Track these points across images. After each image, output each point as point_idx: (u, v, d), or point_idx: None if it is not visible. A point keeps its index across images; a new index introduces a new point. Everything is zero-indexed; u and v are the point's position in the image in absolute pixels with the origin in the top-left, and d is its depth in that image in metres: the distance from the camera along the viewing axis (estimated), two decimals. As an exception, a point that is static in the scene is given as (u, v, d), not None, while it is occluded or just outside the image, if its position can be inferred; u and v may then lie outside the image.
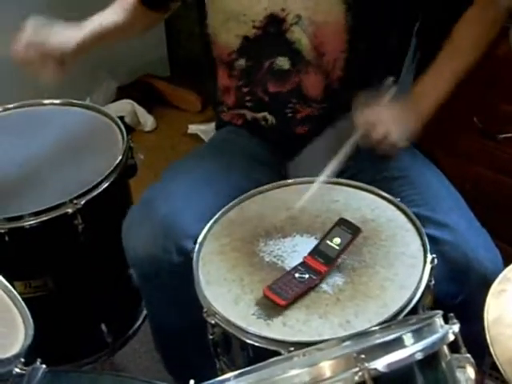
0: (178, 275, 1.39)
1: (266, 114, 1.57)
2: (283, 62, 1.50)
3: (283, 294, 1.21)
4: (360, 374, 0.87)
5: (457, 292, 1.35)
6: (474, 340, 1.01)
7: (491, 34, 1.50)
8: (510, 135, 1.74)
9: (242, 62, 1.54)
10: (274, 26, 1.47)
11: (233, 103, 1.61)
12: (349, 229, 1.27)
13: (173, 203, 1.43)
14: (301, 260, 1.27)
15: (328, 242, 1.27)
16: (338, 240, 1.26)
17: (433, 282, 1.24)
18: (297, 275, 1.24)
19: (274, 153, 1.61)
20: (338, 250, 1.25)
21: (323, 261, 1.25)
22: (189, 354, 1.55)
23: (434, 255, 1.25)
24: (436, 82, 1.48)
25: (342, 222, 1.29)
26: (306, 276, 1.24)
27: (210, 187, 1.49)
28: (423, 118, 1.47)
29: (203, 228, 1.37)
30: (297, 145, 1.56)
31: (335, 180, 1.45)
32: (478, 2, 1.46)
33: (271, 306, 1.21)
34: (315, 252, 1.27)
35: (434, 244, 1.30)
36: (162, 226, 1.39)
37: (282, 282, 1.23)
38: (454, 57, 1.48)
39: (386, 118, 1.42)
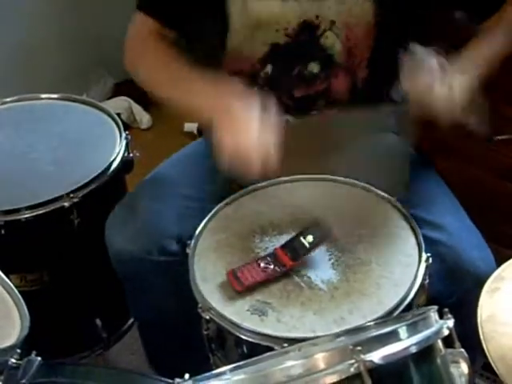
0: (159, 275, 1.40)
1: (288, 117, 1.51)
2: (313, 67, 1.48)
3: (242, 279, 1.23)
4: (355, 365, 0.87)
5: (451, 292, 1.35)
6: (467, 339, 1.02)
7: None
8: (506, 137, 1.74)
9: (268, 70, 1.49)
10: (307, 33, 1.45)
11: None
12: (323, 230, 1.28)
13: (155, 204, 1.44)
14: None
15: (301, 238, 1.28)
16: (310, 238, 1.27)
17: (427, 280, 1.25)
18: (262, 264, 1.25)
19: None
20: (307, 249, 1.26)
21: (291, 256, 1.26)
22: (173, 350, 1.54)
23: (429, 254, 1.26)
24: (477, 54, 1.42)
25: (320, 222, 1.29)
26: (271, 267, 1.25)
27: (194, 188, 1.49)
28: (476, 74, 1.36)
29: (185, 228, 1.37)
30: None
31: (333, 178, 1.46)
32: None
33: (266, 303, 1.21)
34: (286, 246, 1.28)
35: (428, 245, 1.30)
36: (143, 227, 1.40)
37: (246, 268, 1.25)
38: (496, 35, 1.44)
39: (442, 71, 1.29)
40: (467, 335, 1.02)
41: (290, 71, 1.49)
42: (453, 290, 1.36)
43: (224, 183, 1.46)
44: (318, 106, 1.51)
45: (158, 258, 1.40)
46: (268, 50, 1.47)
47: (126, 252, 1.40)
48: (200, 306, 1.24)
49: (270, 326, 1.17)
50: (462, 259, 1.35)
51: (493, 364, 0.96)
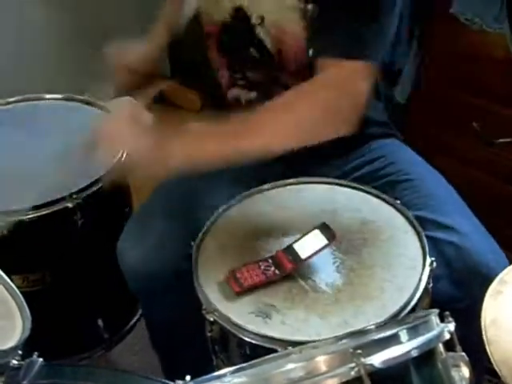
0: (173, 291, 1.40)
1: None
2: (254, 53, 1.48)
3: (241, 281, 1.23)
4: (356, 369, 0.87)
5: (462, 296, 1.32)
6: (477, 344, 1.01)
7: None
8: (508, 140, 1.74)
9: (224, 39, 1.52)
10: (244, 20, 1.46)
11: (227, 82, 1.57)
12: (326, 234, 1.27)
13: (166, 221, 1.43)
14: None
15: (303, 242, 1.27)
16: (312, 243, 1.27)
17: (431, 284, 1.25)
18: (263, 266, 1.25)
19: (270, 164, 1.57)
20: (309, 253, 1.26)
21: (292, 259, 1.26)
22: (185, 352, 1.54)
23: (433, 258, 1.26)
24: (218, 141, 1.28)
25: (323, 226, 1.29)
26: (272, 269, 1.25)
27: (203, 201, 1.48)
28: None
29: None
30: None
31: (336, 181, 1.46)
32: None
33: (270, 305, 1.21)
34: (288, 249, 1.27)
35: (435, 246, 1.30)
36: (156, 245, 1.39)
37: (246, 269, 1.25)
38: (252, 135, 1.27)
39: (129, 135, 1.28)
40: (478, 340, 1.01)
41: (237, 52, 1.51)
42: (463, 295, 1.33)
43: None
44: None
45: (173, 277, 1.39)
46: (220, 26, 1.50)
47: (139, 271, 1.40)
48: (204, 307, 1.23)
49: (274, 329, 1.17)
50: (475, 262, 1.32)
51: (496, 368, 0.95)
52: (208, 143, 1.27)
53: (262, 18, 1.44)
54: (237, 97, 1.57)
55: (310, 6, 1.36)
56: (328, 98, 1.25)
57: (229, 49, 1.54)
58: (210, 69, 1.61)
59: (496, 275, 1.28)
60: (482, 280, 1.28)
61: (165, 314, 1.49)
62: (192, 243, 1.33)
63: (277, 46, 1.45)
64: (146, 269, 1.39)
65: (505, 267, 1.33)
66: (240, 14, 1.46)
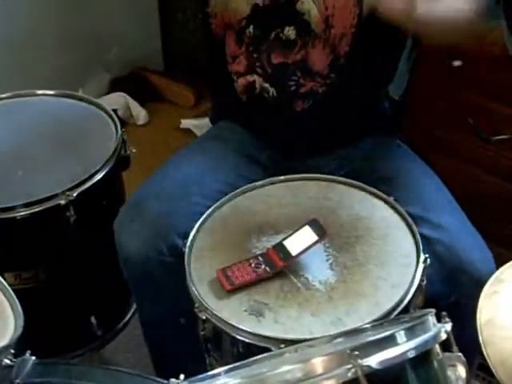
0: (169, 274, 1.39)
1: (267, 85, 1.51)
2: (290, 32, 1.47)
3: (232, 279, 1.23)
4: (353, 370, 0.87)
5: (449, 292, 1.35)
6: (466, 340, 1.02)
7: None
8: (504, 137, 1.74)
9: (251, 29, 1.49)
10: None
11: (244, 68, 1.54)
12: (317, 231, 1.27)
13: (163, 202, 1.43)
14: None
15: (294, 239, 1.27)
16: (303, 239, 1.26)
17: (425, 281, 1.25)
18: (253, 264, 1.25)
19: (267, 152, 1.59)
20: (300, 250, 1.25)
21: (283, 256, 1.25)
22: (178, 349, 1.54)
23: (427, 255, 1.26)
24: None
25: (313, 223, 1.28)
26: (262, 267, 1.25)
27: (201, 186, 1.49)
28: None
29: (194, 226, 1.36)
30: (296, 133, 1.52)
31: (330, 177, 1.45)
32: None
33: (263, 303, 1.21)
34: (279, 246, 1.27)
35: (427, 244, 1.30)
36: (153, 226, 1.40)
37: (236, 267, 1.25)
38: None
39: None
40: (466, 337, 1.02)
41: (267, 34, 1.48)
42: (451, 291, 1.35)
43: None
44: (295, 76, 1.49)
45: (169, 259, 1.39)
46: (251, 9, 1.48)
47: (137, 252, 1.40)
48: (196, 305, 1.23)
49: (267, 327, 1.17)
50: (462, 260, 1.34)
51: (493, 369, 0.95)
52: None
53: None
54: (250, 83, 1.54)
55: None
56: None
57: (254, 37, 1.50)
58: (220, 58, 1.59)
59: (482, 273, 1.29)
60: (469, 277, 1.31)
61: (158, 309, 1.49)
62: (185, 241, 1.33)
63: (324, 14, 1.43)
64: (142, 250, 1.39)
65: (490, 265, 1.34)
66: None
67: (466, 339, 1.01)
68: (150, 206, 1.43)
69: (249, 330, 1.16)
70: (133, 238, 1.41)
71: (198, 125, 2.76)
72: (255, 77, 1.53)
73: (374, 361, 0.88)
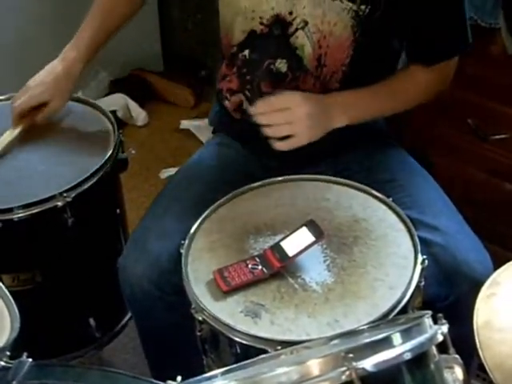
0: (172, 311, 1.40)
1: None
2: (281, 65, 1.48)
3: (228, 279, 1.22)
4: (347, 373, 0.86)
5: (446, 294, 1.35)
6: (463, 342, 1.01)
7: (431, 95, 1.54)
8: (503, 136, 1.74)
9: (245, 53, 1.51)
10: (279, 28, 1.45)
11: (237, 86, 1.56)
12: (314, 232, 1.26)
13: (166, 242, 1.42)
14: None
15: (291, 240, 1.26)
16: (300, 240, 1.26)
17: (423, 283, 1.24)
18: (250, 265, 1.25)
19: (265, 169, 1.56)
20: (297, 251, 1.25)
21: (279, 257, 1.25)
22: (174, 351, 1.54)
23: (425, 256, 1.25)
24: (371, 102, 1.49)
25: (311, 224, 1.28)
26: (259, 268, 1.24)
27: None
28: (336, 125, 1.43)
29: None
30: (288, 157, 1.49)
31: (328, 178, 1.45)
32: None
33: (259, 304, 1.20)
34: (276, 247, 1.27)
35: (424, 246, 1.30)
36: (156, 267, 1.40)
37: (233, 268, 1.25)
38: (395, 96, 1.50)
39: (297, 105, 1.38)
40: (462, 338, 1.01)
41: (261, 62, 1.50)
42: (448, 293, 1.35)
43: None
44: None
45: (172, 297, 1.39)
46: (245, 37, 1.50)
47: (140, 291, 1.41)
48: (193, 306, 1.23)
49: (263, 329, 1.16)
50: (458, 261, 1.34)
51: (489, 372, 0.95)
52: (370, 104, 1.48)
53: (306, 22, 1.43)
54: (243, 102, 1.57)
55: (363, 7, 1.38)
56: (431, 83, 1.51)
57: (250, 61, 1.52)
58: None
59: (478, 274, 1.29)
60: (465, 279, 1.30)
61: (155, 314, 1.48)
62: (182, 242, 1.32)
63: (318, 52, 1.45)
64: (145, 288, 1.40)
65: (487, 266, 1.34)
66: (278, 20, 1.45)
67: (462, 339, 1.00)
68: (152, 244, 1.42)
69: (245, 331, 1.16)
70: (137, 279, 1.41)
71: (198, 126, 2.77)
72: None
73: (368, 363, 0.87)
